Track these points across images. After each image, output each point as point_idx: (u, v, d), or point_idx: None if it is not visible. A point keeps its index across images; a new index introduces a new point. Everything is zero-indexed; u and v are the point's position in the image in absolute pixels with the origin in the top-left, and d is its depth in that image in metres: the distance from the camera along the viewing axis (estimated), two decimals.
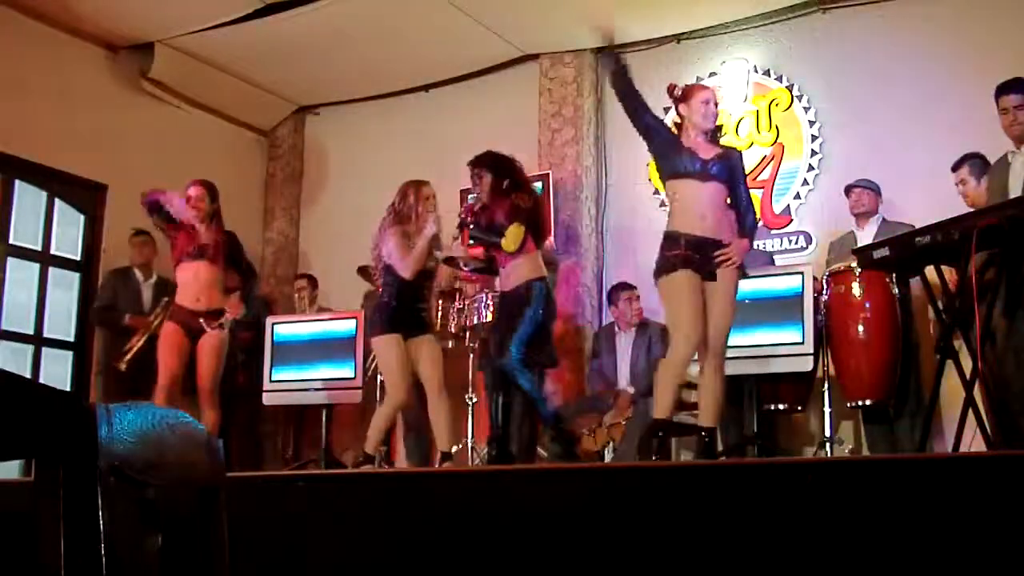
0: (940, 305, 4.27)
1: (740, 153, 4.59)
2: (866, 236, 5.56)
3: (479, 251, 5.64)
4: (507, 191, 5.05)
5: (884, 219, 5.72)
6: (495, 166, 5.14)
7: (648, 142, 4.45)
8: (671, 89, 4.53)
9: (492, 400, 5.28)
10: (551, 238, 6.32)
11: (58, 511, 0.93)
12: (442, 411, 5.15)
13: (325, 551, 3.48)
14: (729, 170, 4.31)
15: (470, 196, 5.57)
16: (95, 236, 7.17)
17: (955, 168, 5.30)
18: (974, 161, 5.19)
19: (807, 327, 5.21)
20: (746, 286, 4.56)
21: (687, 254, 4.17)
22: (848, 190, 5.83)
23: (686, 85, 4.54)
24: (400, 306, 5.13)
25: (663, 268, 4.23)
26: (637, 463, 5.34)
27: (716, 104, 4.43)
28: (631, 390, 5.89)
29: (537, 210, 5.18)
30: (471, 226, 5.12)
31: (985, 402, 4.10)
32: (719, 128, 4.47)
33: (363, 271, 6.73)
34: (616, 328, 6.26)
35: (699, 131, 4.34)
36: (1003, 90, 4.67)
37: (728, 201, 4.35)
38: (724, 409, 4.44)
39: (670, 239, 4.26)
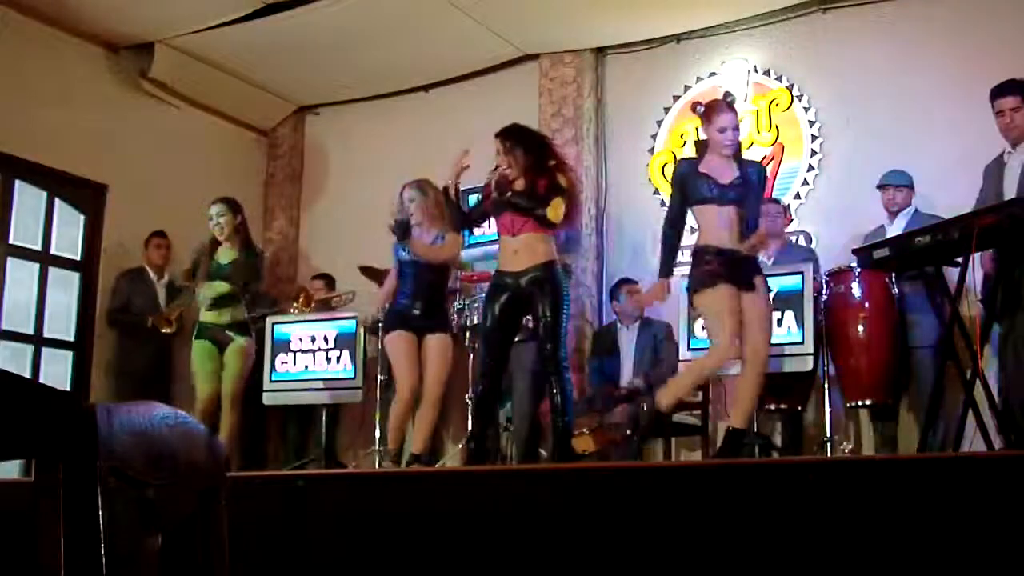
0: (940, 305, 4.27)
1: (761, 171, 4.60)
2: (896, 229, 5.42)
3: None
4: (545, 168, 4.78)
5: (917, 210, 5.53)
6: (528, 141, 4.86)
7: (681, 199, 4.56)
8: (694, 107, 4.65)
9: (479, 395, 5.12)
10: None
11: (58, 511, 0.93)
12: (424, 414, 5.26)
13: (325, 551, 3.48)
14: (746, 192, 4.40)
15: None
16: (95, 236, 7.17)
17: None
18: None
19: (807, 327, 5.21)
20: None
21: (721, 269, 4.30)
22: (880, 187, 5.65)
23: (708, 104, 4.53)
24: None
25: (702, 283, 4.33)
26: (637, 463, 5.35)
27: (736, 128, 4.46)
28: (640, 384, 5.86)
29: (573, 193, 4.91)
30: (510, 193, 4.77)
31: (985, 402, 4.10)
32: (739, 146, 4.51)
33: (365, 270, 6.74)
34: (618, 325, 6.26)
35: (718, 153, 4.44)
36: (998, 93, 4.66)
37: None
38: (753, 411, 4.51)
39: (700, 253, 4.38)
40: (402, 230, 5.31)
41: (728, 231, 4.34)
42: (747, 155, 5.00)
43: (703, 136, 4.58)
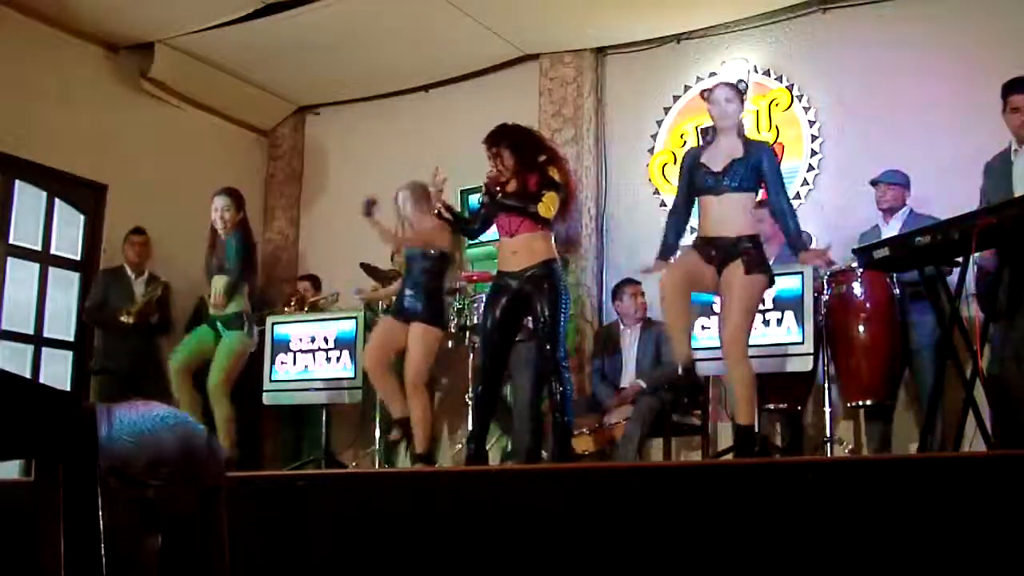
0: (940, 305, 4.27)
1: (765, 148, 4.56)
2: (891, 230, 5.45)
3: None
4: (535, 164, 4.74)
5: (912, 211, 5.56)
6: (513, 141, 4.81)
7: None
8: (702, 94, 4.70)
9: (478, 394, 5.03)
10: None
11: (58, 511, 0.93)
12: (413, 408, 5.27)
13: (325, 551, 3.48)
14: (754, 174, 4.39)
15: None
16: (95, 236, 7.17)
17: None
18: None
19: (807, 327, 5.21)
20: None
21: (696, 246, 4.44)
22: (874, 184, 5.70)
23: (712, 87, 4.56)
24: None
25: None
26: (637, 463, 5.35)
27: (730, 101, 4.48)
28: (643, 384, 5.86)
29: (567, 185, 4.83)
30: (499, 194, 4.75)
31: (986, 402, 4.10)
32: (740, 124, 4.53)
33: (366, 267, 6.74)
34: (620, 325, 6.25)
35: (722, 132, 4.48)
36: (1012, 88, 4.64)
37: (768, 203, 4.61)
38: (754, 405, 4.47)
39: (694, 240, 4.53)
40: (367, 207, 5.43)
41: (726, 220, 4.36)
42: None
43: (709, 121, 4.64)
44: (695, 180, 4.46)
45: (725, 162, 4.37)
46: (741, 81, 4.68)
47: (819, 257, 4.65)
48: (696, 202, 4.53)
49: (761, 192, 4.59)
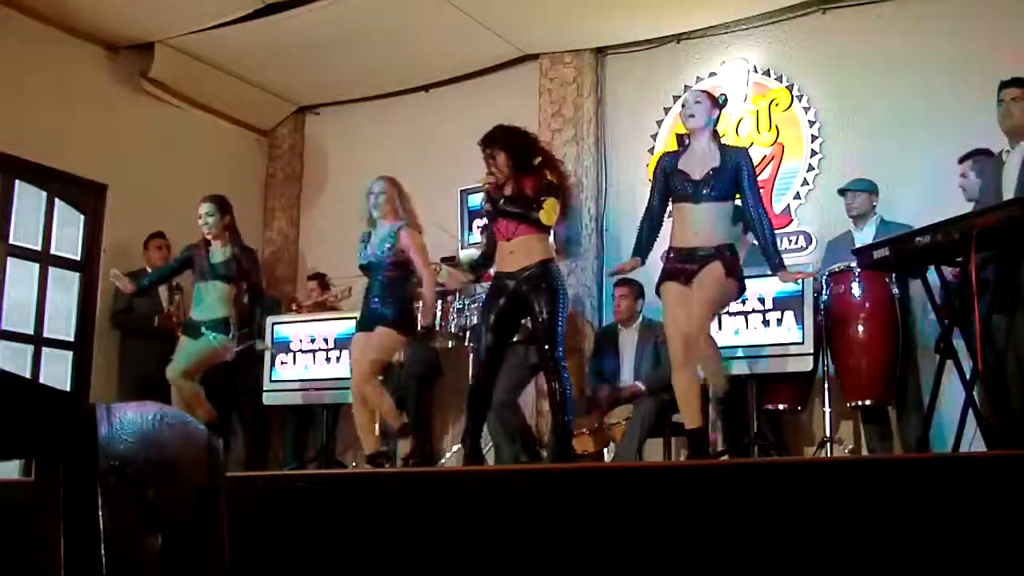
0: (940, 305, 4.28)
1: (742, 155, 4.58)
2: (864, 236, 5.56)
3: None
4: (530, 167, 4.74)
5: (882, 219, 5.71)
6: (508, 143, 4.78)
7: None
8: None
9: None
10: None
11: (58, 511, 0.93)
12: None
13: (325, 551, 3.48)
14: (732, 181, 4.40)
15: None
16: (95, 236, 7.17)
17: (962, 160, 5.31)
18: (979, 157, 5.14)
19: (807, 327, 5.21)
20: (747, 286, 4.63)
21: (673, 267, 4.44)
22: (842, 193, 5.83)
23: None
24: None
25: (659, 279, 4.54)
26: (637, 463, 5.35)
27: (696, 102, 4.55)
28: (642, 386, 5.86)
29: (565, 187, 4.87)
30: (502, 200, 4.72)
31: (985, 402, 4.10)
32: (712, 130, 4.53)
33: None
34: (619, 326, 6.25)
35: (695, 138, 4.51)
36: (1007, 83, 4.67)
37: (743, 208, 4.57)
38: (700, 406, 4.48)
39: (667, 252, 4.56)
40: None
41: (703, 230, 4.39)
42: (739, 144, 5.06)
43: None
44: (672, 186, 4.49)
45: (704, 171, 4.40)
46: (722, 95, 4.73)
47: (798, 278, 4.79)
48: (671, 207, 4.56)
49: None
